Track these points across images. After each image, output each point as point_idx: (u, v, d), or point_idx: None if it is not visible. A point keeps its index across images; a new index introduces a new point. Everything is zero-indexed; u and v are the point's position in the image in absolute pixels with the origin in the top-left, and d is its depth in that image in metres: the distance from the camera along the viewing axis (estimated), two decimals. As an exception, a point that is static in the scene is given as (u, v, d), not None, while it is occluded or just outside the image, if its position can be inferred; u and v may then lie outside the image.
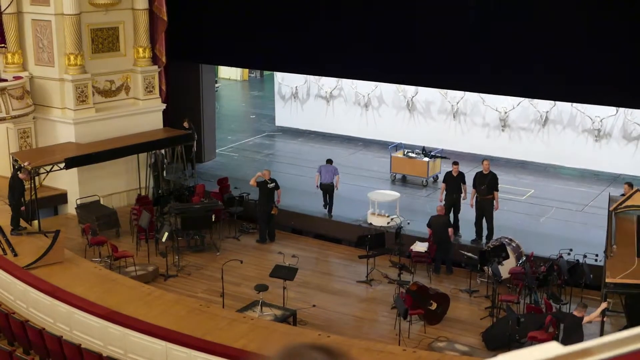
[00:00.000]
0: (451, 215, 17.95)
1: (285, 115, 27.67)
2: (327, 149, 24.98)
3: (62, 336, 13.07)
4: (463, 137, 24.25)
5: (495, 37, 17.79)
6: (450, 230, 17.03)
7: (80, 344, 12.76)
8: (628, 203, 15.23)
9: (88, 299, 14.20)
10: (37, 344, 13.13)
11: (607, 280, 13.18)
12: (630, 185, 16.59)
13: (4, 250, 16.46)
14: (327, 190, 19.78)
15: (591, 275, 15.09)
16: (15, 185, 17.44)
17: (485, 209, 17.76)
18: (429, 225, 17.31)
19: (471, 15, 18.26)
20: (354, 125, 26.21)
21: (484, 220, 17.82)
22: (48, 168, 18.42)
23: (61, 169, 18.57)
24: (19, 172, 17.57)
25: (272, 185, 18.89)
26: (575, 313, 12.77)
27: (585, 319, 12.62)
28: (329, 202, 19.77)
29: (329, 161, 20.25)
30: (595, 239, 16.64)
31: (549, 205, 20.03)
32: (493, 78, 18.13)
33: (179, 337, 12.78)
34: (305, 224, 19.59)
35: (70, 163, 18.69)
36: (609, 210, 15.48)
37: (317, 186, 19.91)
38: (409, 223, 18.38)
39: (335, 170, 19.93)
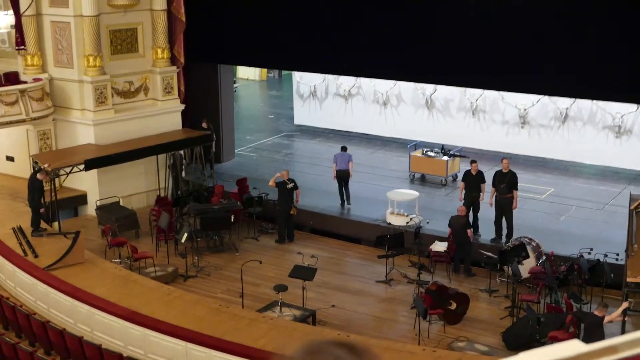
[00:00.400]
0: (470, 214, 17.86)
1: (304, 114, 27.69)
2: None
3: (82, 337, 13.14)
4: (482, 135, 24.15)
5: (511, 35, 17.69)
6: (469, 231, 16.94)
7: (101, 345, 12.83)
8: (649, 202, 15.10)
9: (108, 300, 14.28)
10: (58, 345, 13.21)
11: (628, 279, 13.08)
12: None
13: (24, 251, 16.58)
14: (343, 177, 20.14)
15: (612, 275, 14.96)
16: (34, 187, 17.54)
17: (504, 207, 17.67)
18: (450, 224, 17.26)
19: (488, 12, 18.16)
20: (372, 123, 26.18)
21: (503, 220, 17.73)
22: (68, 170, 18.52)
23: (80, 170, 18.66)
24: (37, 174, 17.69)
25: (291, 185, 18.90)
26: (596, 313, 12.67)
27: (606, 318, 12.52)
28: (345, 192, 20.10)
29: (344, 148, 20.77)
30: (616, 238, 16.52)
31: (569, 204, 19.90)
32: (511, 77, 18.04)
33: (198, 337, 12.83)
34: (324, 223, 19.58)
35: (90, 164, 18.78)
36: (629, 209, 15.36)
37: (334, 177, 20.23)
38: (428, 222, 18.31)
39: (349, 157, 20.42)
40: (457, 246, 16.99)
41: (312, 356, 1.39)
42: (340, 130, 26.86)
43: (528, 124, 23.48)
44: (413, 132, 24.82)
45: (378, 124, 26.10)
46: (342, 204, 20.14)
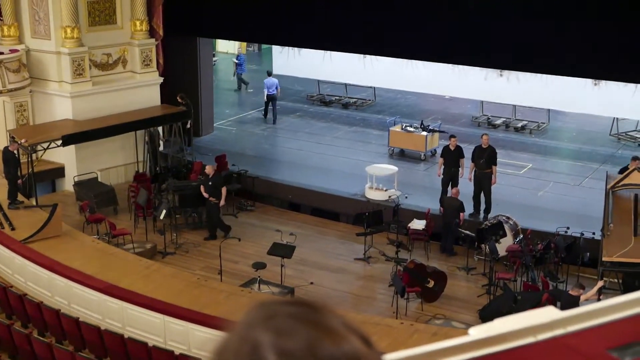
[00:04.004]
0: (448, 190, 17.89)
1: (282, 63, 27.02)
2: (325, 125, 24.98)
3: (60, 310, 13.11)
4: (460, 82, 23.35)
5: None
6: (462, 215, 16.85)
7: (79, 317, 12.81)
8: (626, 182, 15.19)
9: (86, 273, 14.22)
10: (35, 318, 13.17)
11: (603, 258, 13.18)
12: (637, 159, 16.38)
13: (1, 224, 16.46)
14: (272, 99, 25.04)
15: (588, 254, 15.08)
16: (7, 158, 17.40)
17: (483, 183, 17.73)
18: (441, 204, 17.27)
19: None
20: (351, 72, 25.52)
21: (482, 195, 17.80)
22: (45, 145, 18.36)
23: (58, 146, 18.51)
24: (8, 146, 17.56)
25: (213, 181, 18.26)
26: (571, 292, 12.78)
27: (582, 297, 12.64)
28: (273, 112, 24.99)
29: (269, 74, 25.57)
30: (593, 214, 16.60)
31: (547, 179, 20.01)
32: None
33: (176, 310, 12.82)
34: (302, 197, 19.57)
35: (68, 140, 18.63)
36: (606, 189, 15.44)
37: (264, 100, 25.23)
38: (407, 197, 18.36)
39: (277, 83, 25.16)
40: (446, 227, 16.98)
41: (268, 320, 1.32)
42: (319, 79, 27.04)
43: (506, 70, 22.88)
44: (392, 80, 24.60)
45: (357, 73, 25.45)
46: (267, 121, 24.80)
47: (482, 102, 25.02)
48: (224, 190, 17.79)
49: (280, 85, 25.64)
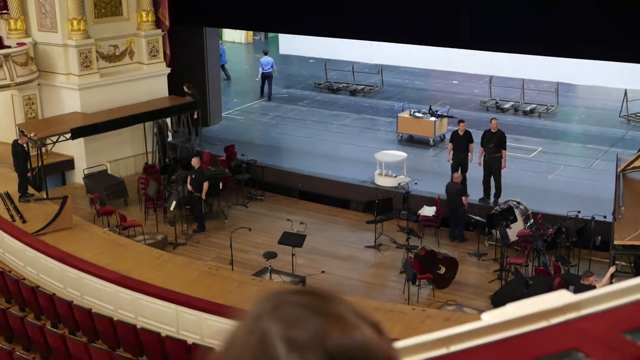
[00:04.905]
0: (458, 171, 17.83)
1: (289, 42, 27.02)
2: (333, 112, 24.94)
3: (72, 301, 13.17)
4: (468, 58, 22.78)
5: None
6: (464, 198, 16.82)
7: (91, 309, 12.87)
8: (637, 164, 15.11)
9: (98, 264, 14.27)
10: (48, 310, 13.23)
11: (615, 242, 13.13)
12: None
13: (12, 217, 16.53)
14: (267, 77, 26.32)
15: (600, 237, 15.02)
16: (17, 152, 17.49)
17: (493, 167, 17.67)
18: (446, 191, 17.26)
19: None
20: (357, 51, 25.16)
21: (491, 179, 17.75)
22: (54, 139, 18.40)
23: (67, 139, 18.55)
24: (18, 139, 17.62)
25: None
26: (584, 282, 12.73)
27: (597, 285, 12.58)
28: (269, 89, 26.30)
29: (266, 52, 27.10)
30: (605, 196, 16.53)
31: (557, 163, 19.94)
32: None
33: (188, 300, 12.86)
34: (312, 185, 19.56)
35: (77, 133, 18.69)
36: (617, 172, 15.36)
37: (258, 78, 26.62)
38: (416, 183, 18.34)
39: (272, 61, 26.43)
40: (450, 212, 16.96)
41: (276, 310, 1.30)
42: (326, 58, 26.96)
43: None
44: (400, 59, 24.47)
45: (364, 52, 25.16)
46: (265, 98, 26.09)
47: (490, 80, 24.80)
48: (205, 184, 17.72)
49: (286, 73, 25.59)
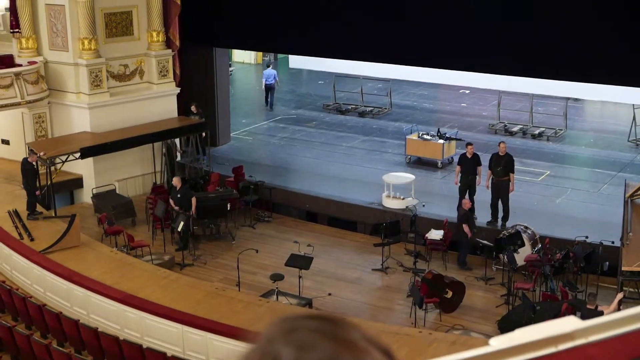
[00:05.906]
0: (467, 197, 17.82)
1: (298, 58, 27.08)
2: (341, 133, 24.98)
3: (79, 320, 13.15)
4: (477, 73, 21.99)
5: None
6: (464, 226, 16.65)
7: (97, 328, 12.84)
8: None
9: (104, 283, 14.27)
10: (55, 328, 13.21)
11: (623, 268, 13.07)
12: None
13: (20, 235, 16.56)
14: (270, 88, 27.97)
15: (607, 263, 14.95)
16: (27, 170, 17.56)
17: (501, 190, 17.64)
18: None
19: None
20: (366, 65, 24.86)
21: (499, 202, 17.72)
22: (64, 158, 18.48)
23: (76, 158, 18.63)
24: (27, 157, 17.72)
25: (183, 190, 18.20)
26: (590, 307, 12.66)
27: (606, 312, 12.51)
28: (270, 99, 27.98)
29: (268, 65, 29.13)
30: (613, 220, 16.48)
31: (565, 186, 19.90)
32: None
33: (194, 320, 12.84)
34: (319, 207, 19.55)
35: (86, 153, 18.77)
36: (625, 197, 15.32)
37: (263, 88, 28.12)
38: (424, 205, 18.32)
39: (275, 73, 28.18)
40: (455, 239, 16.92)
41: (289, 334, 1.32)
42: (334, 72, 27.06)
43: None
44: (408, 74, 24.41)
45: (372, 67, 24.96)
46: (268, 107, 27.75)
47: (499, 104, 24.79)
48: (193, 200, 17.76)
49: (296, 94, 25.63)
